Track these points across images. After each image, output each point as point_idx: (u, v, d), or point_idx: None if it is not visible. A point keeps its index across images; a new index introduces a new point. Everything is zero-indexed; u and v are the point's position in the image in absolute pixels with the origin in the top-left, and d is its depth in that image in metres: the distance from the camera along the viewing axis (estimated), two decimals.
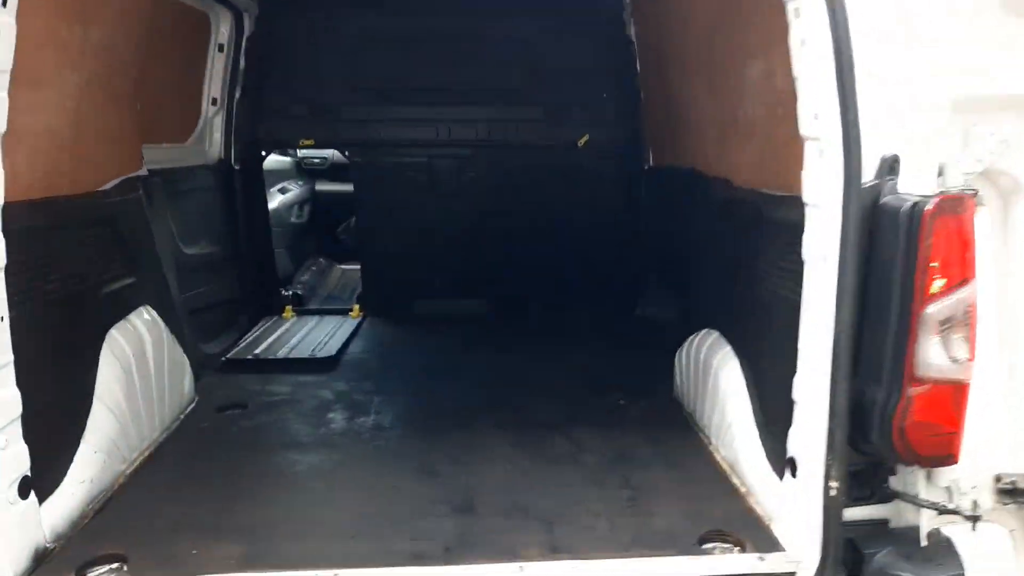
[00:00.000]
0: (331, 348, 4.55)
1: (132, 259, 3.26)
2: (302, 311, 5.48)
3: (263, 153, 5.05)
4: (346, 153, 5.03)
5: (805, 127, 2.28)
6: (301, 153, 7.07)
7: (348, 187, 7.17)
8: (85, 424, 2.74)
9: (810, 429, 2.31)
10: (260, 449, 3.25)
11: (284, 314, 5.36)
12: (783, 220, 2.66)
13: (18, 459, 2.29)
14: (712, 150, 3.74)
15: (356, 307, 5.42)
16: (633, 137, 5.16)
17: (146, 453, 3.15)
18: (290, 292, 5.58)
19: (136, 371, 3.14)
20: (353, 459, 3.14)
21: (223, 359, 4.38)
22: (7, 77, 2.19)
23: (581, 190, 5.19)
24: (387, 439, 3.32)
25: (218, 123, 4.92)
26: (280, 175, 6.36)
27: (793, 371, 2.44)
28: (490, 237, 5.29)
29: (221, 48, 4.77)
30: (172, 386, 3.52)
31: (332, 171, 7.23)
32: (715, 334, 3.35)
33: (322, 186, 7.23)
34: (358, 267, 6.75)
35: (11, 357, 2.24)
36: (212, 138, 4.90)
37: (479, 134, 5.05)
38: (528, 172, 5.12)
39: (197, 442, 3.32)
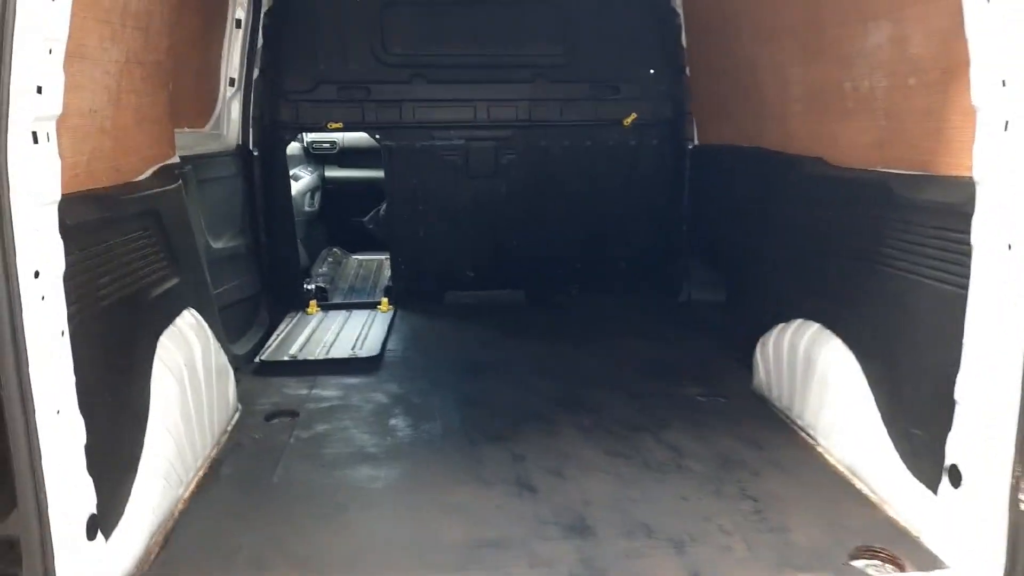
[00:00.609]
0: (372, 346, 4.22)
1: (175, 256, 2.91)
2: (327, 306, 5.14)
3: (286, 138, 4.67)
4: (376, 136, 4.68)
5: (983, 96, 2.01)
6: (309, 138, 6.67)
7: (358, 173, 6.90)
8: (142, 446, 2.41)
9: (983, 434, 2.07)
10: (323, 463, 2.93)
11: (308, 310, 5.02)
12: (926, 202, 2.41)
13: (85, 495, 1.97)
14: (797, 126, 3.47)
15: (384, 300, 5.09)
16: (679, 114, 4.88)
17: (201, 472, 2.82)
18: (312, 286, 5.22)
19: (188, 382, 2.81)
20: (433, 472, 2.85)
21: (259, 360, 4.04)
22: (62, 48, 1.85)
23: (625, 171, 4.91)
24: (464, 448, 3.02)
25: (236, 106, 4.54)
26: (290, 161, 5.96)
27: (944, 367, 2.20)
28: (528, 223, 5.00)
29: (239, 24, 4.38)
30: (220, 395, 3.19)
31: (341, 156, 6.85)
32: (814, 325, 3.10)
33: (331, 172, 6.84)
34: (375, 257, 6.48)
35: (73, 378, 1.92)
36: (230, 122, 4.52)
37: (519, 114, 4.74)
38: (570, 154, 4.83)
39: (253, 457, 2.99)
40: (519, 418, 3.30)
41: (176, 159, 3.25)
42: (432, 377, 3.85)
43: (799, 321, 3.24)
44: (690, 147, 5.00)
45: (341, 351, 4.17)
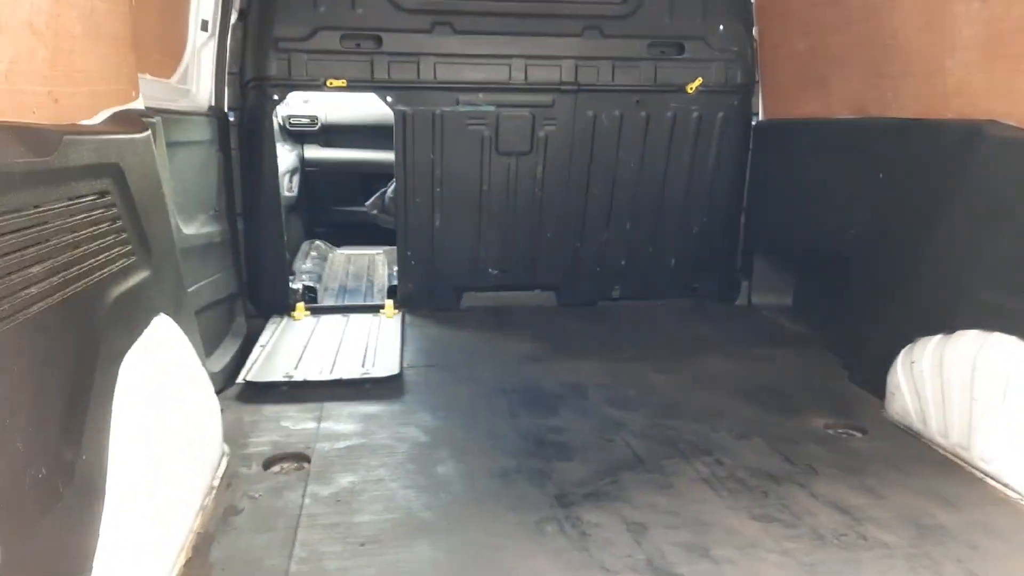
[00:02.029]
0: (388, 363, 3.32)
1: (144, 238, 1.98)
2: (317, 309, 4.21)
3: (275, 98, 3.72)
4: (388, 99, 3.78)
5: None
6: (285, 112, 5.70)
7: (343, 154, 5.95)
8: (96, 537, 1.50)
9: None
10: (359, 537, 2.04)
11: (295, 314, 4.08)
12: None
13: None
14: (961, 81, 2.72)
15: (390, 303, 4.19)
16: (750, 82, 4.12)
17: (181, 560, 1.90)
18: (299, 286, 4.28)
19: (163, 425, 1.90)
20: (524, 550, 1.99)
21: (243, 381, 3.11)
22: None
23: (685, 149, 4.11)
24: (557, 511, 2.17)
25: (208, 56, 3.59)
26: None
27: None
28: (566, 211, 4.16)
29: None
30: (204, 437, 2.27)
31: (323, 134, 5.89)
32: (1009, 340, 2.35)
33: (311, 152, 5.87)
34: (364, 252, 5.55)
35: None
36: (200, 76, 3.56)
37: (563, 75, 3.88)
38: (622, 126, 4.00)
39: (254, 529, 2.08)
40: (613, 464, 2.46)
41: (141, 104, 2.31)
42: (474, 404, 2.98)
43: (974, 333, 2.49)
44: (754, 123, 4.26)
45: (350, 369, 3.25)
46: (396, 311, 4.17)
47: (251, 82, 3.72)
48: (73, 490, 1.37)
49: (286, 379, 3.12)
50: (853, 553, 1.97)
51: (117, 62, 2.09)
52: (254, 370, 3.20)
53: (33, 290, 1.32)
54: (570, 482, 2.34)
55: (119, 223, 1.78)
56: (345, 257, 5.44)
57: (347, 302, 4.52)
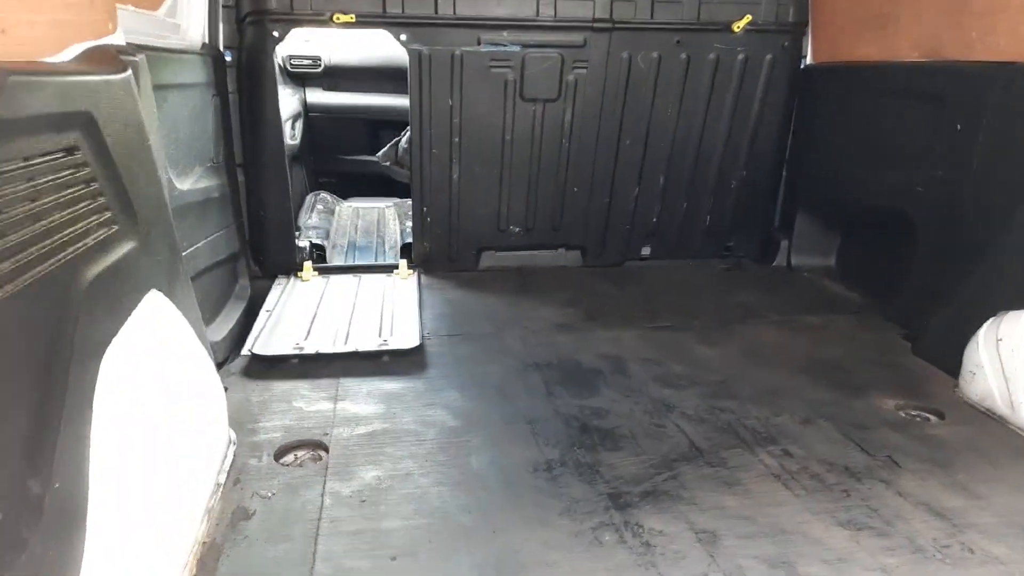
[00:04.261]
0: (406, 332, 3.01)
1: (128, 201, 1.65)
2: (326, 268, 3.89)
3: (275, 34, 3.32)
4: (401, 37, 3.38)
5: None
6: (285, 52, 5.27)
7: (349, 99, 5.53)
8: (77, 560, 1.22)
9: None
10: (390, 546, 1.77)
11: (302, 274, 3.77)
12: None
13: None
14: None
15: (404, 263, 3.87)
16: (802, 22, 3.71)
17: (187, 573, 1.64)
18: (306, 243, 3.95)
19: (162, 415, 1.61)
20: (583, 564, 1.72)
21: (248, 353, 2.81)
22: None
23: (728, 96, 3.73)
24: (615, 516, 1.89)
25: None
26: None
27: None
28: (595, 163, 3.80)
29: None
30: (208, 428, 1.99)
31: (327, 77, 5.46)
32: None
33: (314, 97, 5.46)
34: (373, 205, 5.20)
35: None
36: (191, 9, 3.16)
37: (597, 11, 3.47)
38: (660, 69, 3.61)
39: (268, 538, 1.80)
40: (669, 456, 2.18)
41: (119, 38, 1.95)
42: (505, 381, 2.69)
43: None
44: (801, 67, 3.87)
45: (366, 339, 2.95)
46: (411, 271, 3.86)
47: (248, 16, 3.32)
48: (42, 534, 1.08)
49: (297, 351, 2.82)
50: (963, 571, 1.71)
51: None
52: (261, 340, 2.90)
53: None
54: (624, 478, 2.07)
55: (94, 186, 1.45)
56: (353, 211, 5.09)
57: (357, 260, 4.20)
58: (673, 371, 2.78)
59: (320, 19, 3.32)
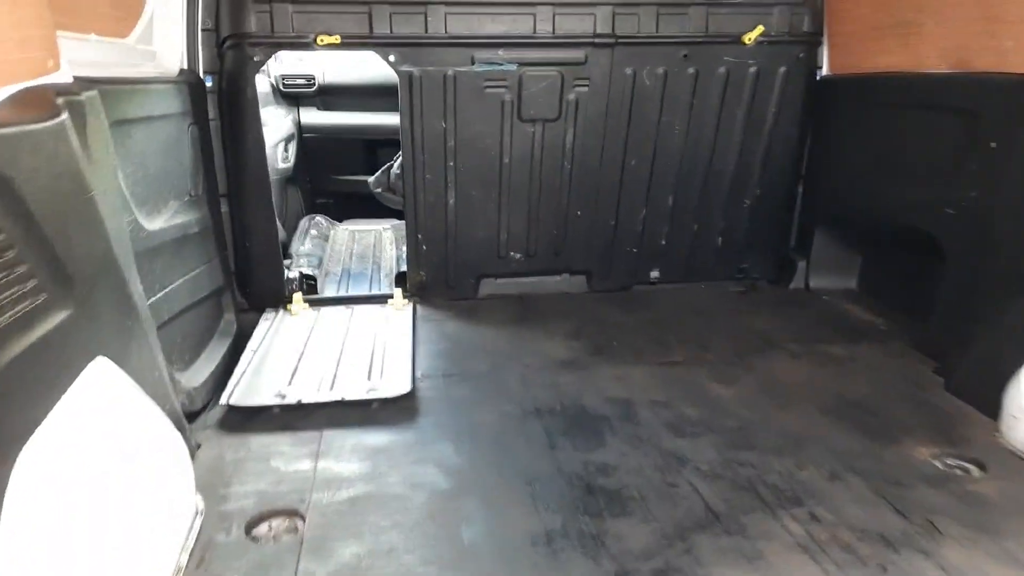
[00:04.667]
0: (397, 375, 2.81)
1: (58, 265, 1.45)
2: (317, 300, 3.70)
3: (255, 59, 3.13)
4: (390, 58, 3.19)
5: None
6: (278, 71, 5.10)
7: (345, 119, 5.36)
8: None
9: None
10: None
11: (291, 307, 3.58)
12: None
13: None
14: None
15: (398, 292, 3.67)
16: (818, 32, 3.49)
17: None
18: (296, 273, 3.76)
19: (109, 498, 1.41)
20: None
21: (225, 404, 2.61)
22: None
23: (739, 111, 3.52)
24: None
25: (178, 9, 3.01)
26: None
27: None
28: (599, 185, 3.59)
29: None
30: (166, 498, 1.79)
31: (322, 97, 5.29)
32: None
33: (309, 117, 5.29)
34: (369, 227, 5.02)
35: None
36: (168, 34, 2.99)
37: (598, 26, 3.26)
38: (666, 85, 3.40)
39: None
40: (682, 523, 1.96)
41: (65, 75, 1.76)
42: (503, 430, 2.48)
43: None
44: (817, 79, 3.65)
45: (353, 385, 2.75)
46: (406, 301, 3.66)
47: (227, 40, 3.13)
48: None
49: (278, 400, 2.62)
50: None
51: (21, 19, 1.53)
52: (241, 388, 2.71)
53: None
54: (632, 552, 1.85)
55: (8, 255, 1.25)
56: (349, 234, 4.91)
57: (351, 289, 4.00)
58: (686, 415, 2.55)
59: (303, 42, 3.13)
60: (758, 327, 3.38)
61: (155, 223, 2.58)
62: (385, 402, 2.64)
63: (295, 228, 4.72)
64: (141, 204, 2.46)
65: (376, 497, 2.09)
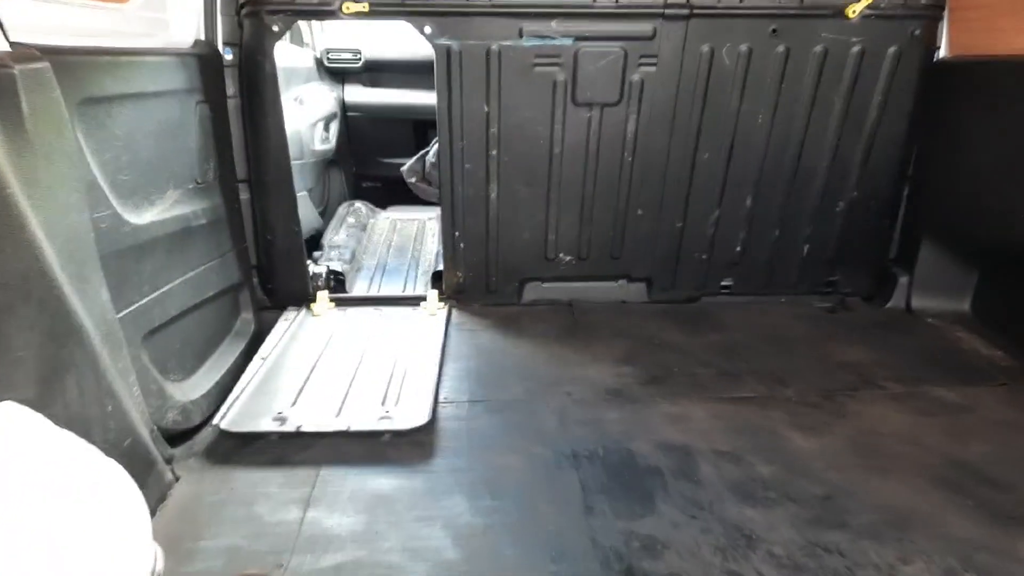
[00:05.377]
0: (416, 402, 2.43)
1: None
2: (344, 300, 3.35)
3: (275, 29, 2.77)
4: (426, 30, 2.79)
5: None
6: (323, 44, 4.76)
7: (393, 97, 4.99)
8: None
9: None
10: None
11: (315, 306, 3.24)
12: None
13: None
14: None
15: (434, 294, 3.29)
16: (939, 4, 2.90)
17: None
18: (323, 268, 3.41)
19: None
20: None
21: (216, 426, 2.28)
22: None
23: (838, 98, 2.97)
24: None
25: None
26: (292, 77, 4.09)
27: None
28: (665, 180, 3.11)
29: None
30: (104, 560, 1.45)
31: (368, 73, 4.93)
32: None
33: (354, 95, 4.94)
34: (414, 216, 4.65)
35: None
36: (183, 1, 2.65)
37: None
38: (750, 65, 2.88)
39: None
40: None
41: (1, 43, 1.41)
42: (531, 482, 2.06)
43: None
44: (935, 61, 3.05)
45: (364, 411, 2.37)
46: (441, 305, 3.27)
47: (244, 7, 2.77)
48: None
49: (277, 426, 2.27)
50: None
51: None
52: (236, 409, 2.37)
53: None
54: None
55: None
56: (389, 223, 4.55)
57: (383, 287, 3.64)
58: (758, 475, 2.08)
59: (327, 10, 2.74)
60: (849, 357, 2.85)
61: (145, 216, 2.25)
62: (398, 434, 2.26)
63: (331, 214, 4.39)
64: (127, 195, 2.13)
65: (366, 567, 1.71)
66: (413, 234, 4.37)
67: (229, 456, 2.16)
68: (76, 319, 1.55)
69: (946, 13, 2.97)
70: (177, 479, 2.04)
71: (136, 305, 2.17)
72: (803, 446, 2.23)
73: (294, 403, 2.41)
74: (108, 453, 1.65)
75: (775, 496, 1.98)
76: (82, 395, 1.52)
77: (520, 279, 3.32)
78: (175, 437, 2.27)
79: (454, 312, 3.27)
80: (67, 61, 1.80)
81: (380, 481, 2.05)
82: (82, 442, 1.48)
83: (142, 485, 1.81)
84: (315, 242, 3.94)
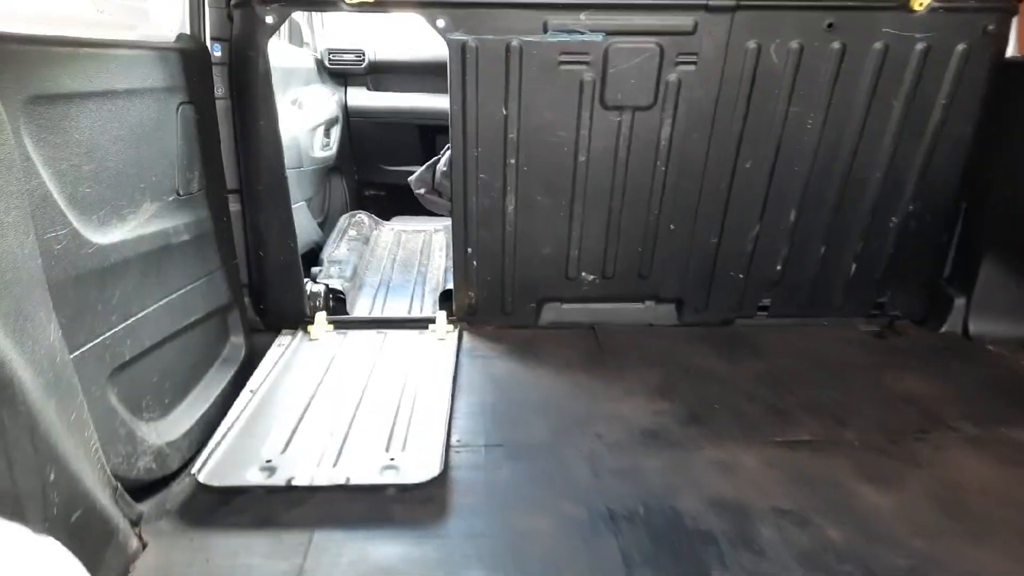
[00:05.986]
0: (426, 444, 2.12)
1: None
2: (343, 322, 3.04)
3: (268, 21, 2.48)
4: (439, 23, 2.48)
5: None
6: (324, 45, 4.47)
7: (398, 101, 4.69)
8: None
9: None
10: None
11: (312, 329, 2.94)
12: None
13: None
14: None
15: (442, 317, 2.99)
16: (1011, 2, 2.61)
17: None
18: (321, 286, 3.11)
19: None
20: None
21: (194, 477, 1.97)
22: None
23: (897, 101, 2.66)
24: None
25: None
26: (291, 78, 3.79)
27: None
28: (701, 192, 2.80)
29: None
30: None
31: (372, 75, 4.63)
32: None
33: (356, 98, 4.64)
34: (420, 227, 4.35)
35: None
36: None
37: None
38: (801, 64, 2.58)
39: None
40: None
41: None
42: (559, 554, 1.75)
43: None
44: (1002, 61, 2.74)
45: (365, 461, 2.06)
46: (451, 328, 2.97)
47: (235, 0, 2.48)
48: None
49: (264, 478, 1.95)
50: None
51: None
52: (217, 457, 2.05)
53: None
54: None
55: None
56: (394, 235, 4.25)
57: (387, 307, 3.33)
58: (828, 540, 1.76)
59: (327, 0, 2.44)
60: (910, 390, 2.53)
61: (113, 234, 1.94)
62: (405, 488, 1.95)
63: (331, 226, 4.09)
64: (89, 210, 1.83)
65: None
66: (419, 248, 4.07)
67: (207, 516, 1.85)
68: (7, 371, 1.24)
69: (1022, 7, 2.67)
70: (144, 546, 1.73)
71: (102, 338, 1.87)
72: (877, 503, 1.91)
73: (285, 448, 2.10)
74: (52, 531, 1.34)
75: (852, 570, 1.67)
76: (11, 467, 1.22)
77: (538, 299, 3.01)
78: (149, 485, 1.97)
79: (465, 336, 2.96)
80: (9, 51, 1.50)
81: (384, 549, 1.73)
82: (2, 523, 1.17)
83: (98, 562, 1.51)
84: (314, 256, 3.64)
